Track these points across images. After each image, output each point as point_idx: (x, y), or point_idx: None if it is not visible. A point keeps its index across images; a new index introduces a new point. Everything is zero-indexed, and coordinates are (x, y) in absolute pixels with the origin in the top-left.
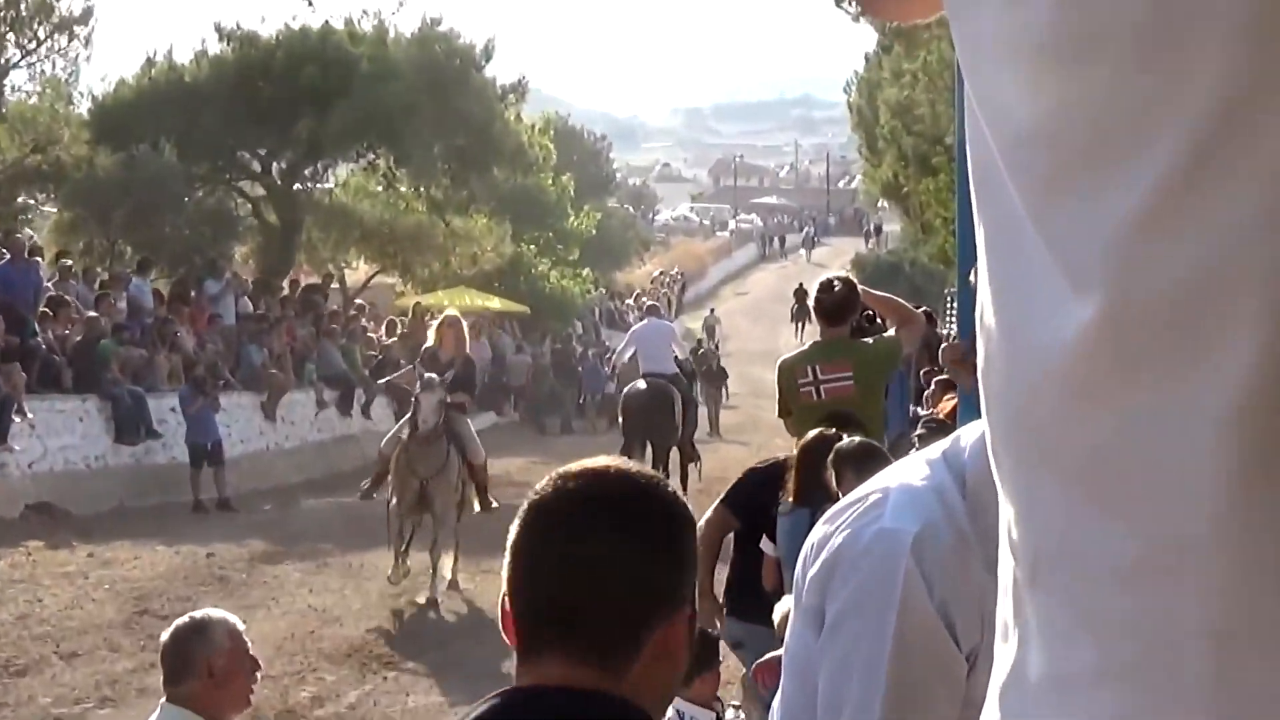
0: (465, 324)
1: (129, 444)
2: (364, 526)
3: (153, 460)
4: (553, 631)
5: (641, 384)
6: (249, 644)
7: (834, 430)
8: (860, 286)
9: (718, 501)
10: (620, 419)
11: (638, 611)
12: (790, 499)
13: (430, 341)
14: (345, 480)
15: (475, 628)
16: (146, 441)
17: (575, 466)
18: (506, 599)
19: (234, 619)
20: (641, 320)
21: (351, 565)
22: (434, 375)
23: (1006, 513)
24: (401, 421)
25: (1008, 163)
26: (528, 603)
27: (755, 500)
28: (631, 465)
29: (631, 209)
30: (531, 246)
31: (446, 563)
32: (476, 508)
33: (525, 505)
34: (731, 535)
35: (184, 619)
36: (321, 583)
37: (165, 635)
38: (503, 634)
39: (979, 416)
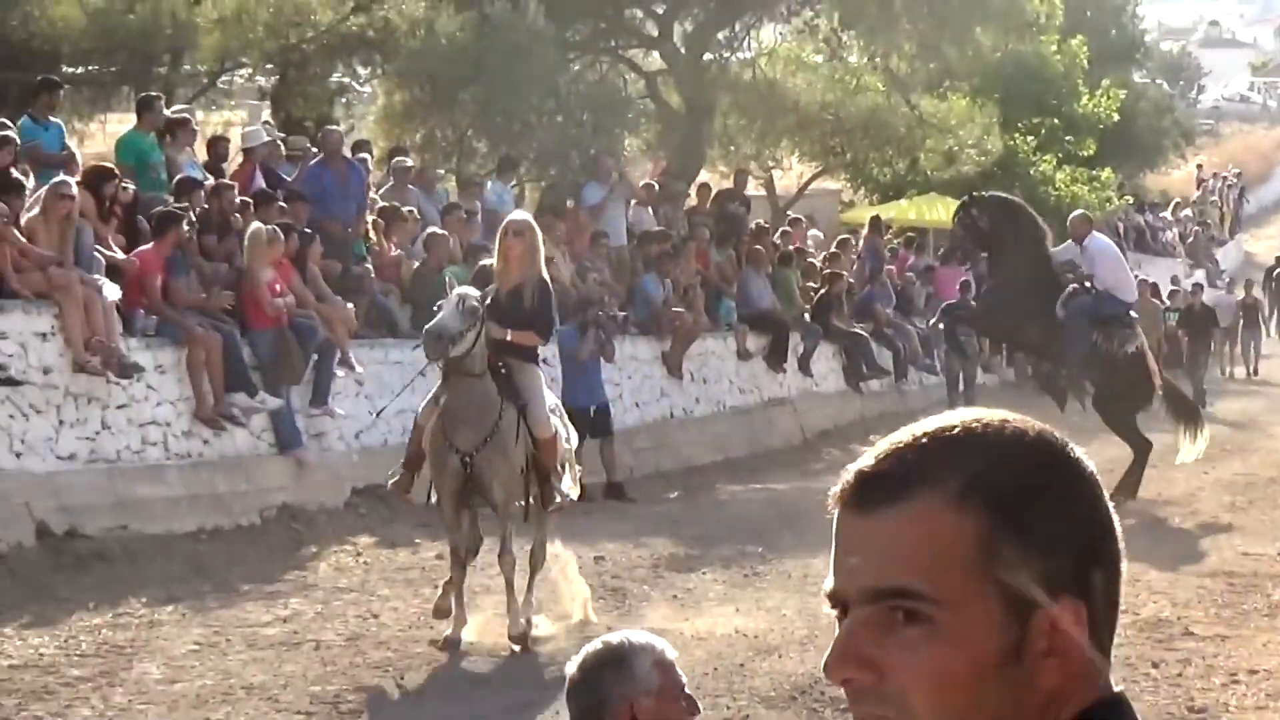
0: (539, 232)
1: None
2: (808, 522)
3: None
4: None
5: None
6: (683, 680)
7: None
8: None
9: None
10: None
11: None
12: None
13: (493, 260)
14: (778, 459)
15: None
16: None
17: None
18: None
19: (663, 645)
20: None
21: (791, 575)
22: (469, 290)
23: None
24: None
25: None
26: None
27: None
28: None
29: (1167, 86)
30: (1030, 138)
31: (522, 585)
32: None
33: None
34: None
35: (595, 645)
36: (752, 598)
37: (570, 667)
38: None
39: None
